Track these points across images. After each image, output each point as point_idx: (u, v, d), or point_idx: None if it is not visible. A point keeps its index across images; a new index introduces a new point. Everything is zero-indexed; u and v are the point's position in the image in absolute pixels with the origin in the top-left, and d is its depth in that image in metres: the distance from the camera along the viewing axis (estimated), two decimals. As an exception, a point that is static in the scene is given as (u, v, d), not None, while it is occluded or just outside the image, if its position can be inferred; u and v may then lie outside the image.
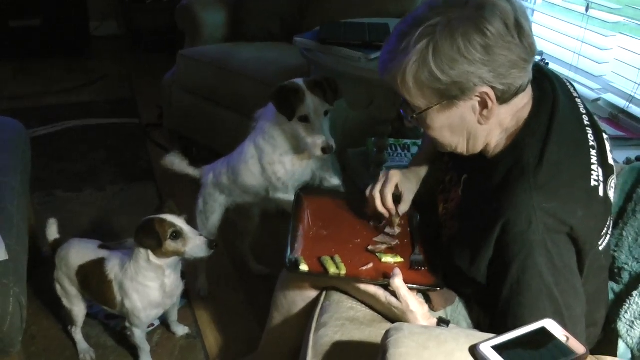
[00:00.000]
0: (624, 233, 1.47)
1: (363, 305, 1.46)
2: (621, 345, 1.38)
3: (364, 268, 1.41)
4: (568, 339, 1.12)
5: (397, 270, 1.32)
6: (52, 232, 2.08)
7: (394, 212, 1.51)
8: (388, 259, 1.43)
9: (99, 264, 1.95)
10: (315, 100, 1.86)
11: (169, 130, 3.61)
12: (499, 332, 1.05)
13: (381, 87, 2.12)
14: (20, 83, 4.48)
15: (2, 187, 1.90)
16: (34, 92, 4.31)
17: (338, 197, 1.71)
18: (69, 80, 4.55)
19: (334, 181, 2.06)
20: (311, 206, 1.61)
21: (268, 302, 1.93)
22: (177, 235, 1.78)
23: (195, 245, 1.79)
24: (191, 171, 2.27)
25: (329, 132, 1.87)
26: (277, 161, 1.97)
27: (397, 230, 1.53)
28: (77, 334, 2.14)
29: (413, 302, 1.29)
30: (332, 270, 1.36)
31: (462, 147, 1.30)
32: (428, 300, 1.40)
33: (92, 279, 1.96)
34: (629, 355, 1.39)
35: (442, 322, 1.31)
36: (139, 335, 2.00)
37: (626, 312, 1.38)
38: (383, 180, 1.51)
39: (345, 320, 1.40)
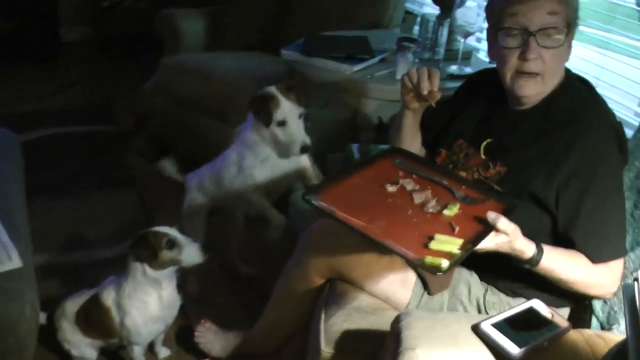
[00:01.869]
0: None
1: (366, 295, 1.64)
2: (594, 321, 1.57)
3: (457, 230, 1.36)
4: (553, 315, 1.31)
5: (493, 214, 1.35)
6: None
7: (437, 87, 1.62)
8: (453, 210, 1.42)
9: (94, 299, 1.97)
10: (290, 104, 1.99)
11: (148, 138, 3.69)
12: (583, 241, 1.48)
13: (365, 97, 2.29)
14: (-9, 89, 4.44)
15: (7, 196, 1.98)
16: (6, 98, 4.27)
17: (336, 181, 1.57)
18: (41, 86, 4.54)
19: None
20: (335, 204, 1.44)
21: (257, 300, 2.05)
22: (172, 244, 1.82)
23: (190, 251, 1.83)
24: (179, 177, 2.37)
25: (305, 132, 2.00)
26: (257, 166, 2.09)
27: (412, 181, 1.53)
28: None
29: (518, 229, 1.40)
30: (455, 249, 1.29)
31: (549, 80, 1.56)
32: (425, 285, 1.57)
33: (91, 316, 1.98)
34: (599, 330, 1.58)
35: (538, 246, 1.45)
36: (138, 352, 2.01)
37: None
38: (428, 68, 1.65)
39: (352, 309, 1.57)
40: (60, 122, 3.97)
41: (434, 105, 1.67)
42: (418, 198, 1.46)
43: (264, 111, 1.99)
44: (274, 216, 2.14)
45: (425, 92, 1.61)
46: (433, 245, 1.29)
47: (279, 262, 2.02)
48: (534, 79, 1.54)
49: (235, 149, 2.16)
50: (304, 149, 1.98)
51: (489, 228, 1.34)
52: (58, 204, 3.11)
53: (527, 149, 1.58)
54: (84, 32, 5.40)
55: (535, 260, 1.43)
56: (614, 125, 1.55)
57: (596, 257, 1.48)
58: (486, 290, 1.64)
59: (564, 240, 1.52)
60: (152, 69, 3.57)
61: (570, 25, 1.52)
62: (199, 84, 3.21)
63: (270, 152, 2.08)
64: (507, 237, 1.36)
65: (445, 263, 1.24)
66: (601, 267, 1.47)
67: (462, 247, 1.29)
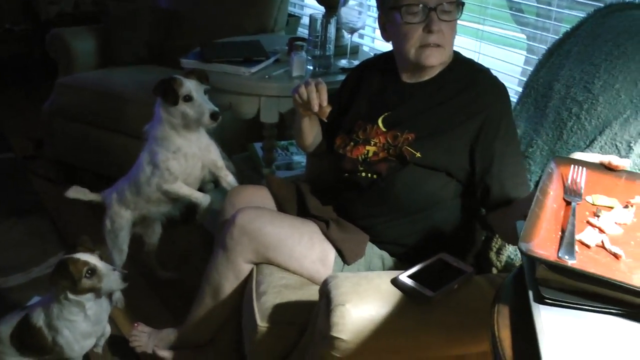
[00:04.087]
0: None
1: (292, 274, 1.78)
2: (493, 271, 1.79)
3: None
4: (458, 263, 1.51)
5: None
6: None
7: (325, 103, 1.78)
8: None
9: (25, 320, 2.00)
10: (192, 82, 2.17)
11: (50, 160, 3.68)
12: (498, 185, 1.66)
13: (265, 96, 2.43)
14: None
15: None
16: None
17: None
18: None
19: (230, 179, 2.33)
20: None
21: (182, 303, 2.13)
22: (92, 272, 1.86)
23: (110, 280, 1.89)
24: (94, 197, 2.44)
25: (212, 104, 2.16)
26: (170, 158, 2.22)
27: None
28: None
29: None
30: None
31: (448, 51, 1.76)
32: (342, 255, 1.74)
33: (25, 337, 2.01)
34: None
35: None
36: None
37: (495, 243, 1.79)
38: (315, 81, 1.80)
39: (280, 287, 1.70)
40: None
41: (325, 120, 1.85)
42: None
43: (169, 91, 2.14)
44: (200, 198, 2.29)
45: (316, 110, 1.79)
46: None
47: (195, 264, 2.11)
48: (437, 49, 1.73)
49: (147, 149, 2.28)
50: (213, 116, 2.13)
51: None
52: (-31, 236, 3.05)
53: (430, 115, 1.75)
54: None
55: None
56: (504, 86, 1.78)
57: (514, 194, 1.66)
58: (397, 262, 1.81)
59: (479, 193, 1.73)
60: (42, 91, 3.55)
61: (459, 3, 1.73)
62: (98, 101, 3.25)
63: (181, 142, 2.21)
64: None
65: None
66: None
67: None
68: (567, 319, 0.92)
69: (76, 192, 2.40)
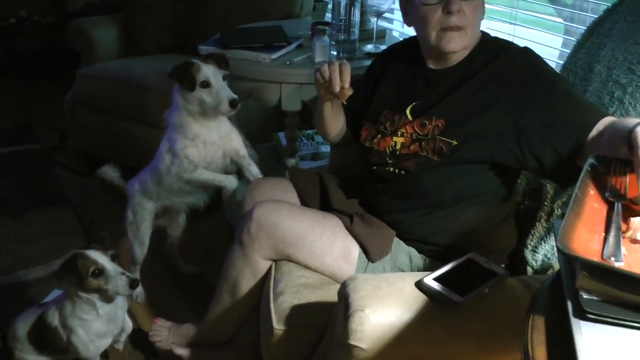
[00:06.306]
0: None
1: (312, 272, 1.67)
2: (529, 270, 1.66)
3: None
4: (490, 264, 1.38)
5: None
6: None
7: (348, 84, 1.66)
8: None
9: (41, 319, 1.96)
10: (210, 67, 2.07)
11: (74, 151, 3.65)
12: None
13: (287, 83, 2.33)
14: None
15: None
16: None
17: None
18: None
19: (253, 169, 2.23)
20: None
21: (203, 298, 2.07)
22: (99, 273, 1.79)
23: (116, 284, 1.81)
24: (120, 183, 2.39)
25: (230, 91, 2.06)
26: (189, 145, 2.13)
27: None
28: None
29: None
30: None
31: (472, 34, 1.62)
32: (366, 252, 1.62)
33: (42, 337, 1.97)
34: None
35: None
36: None
37: (531, 240, 1.66)
38: (339, 61, 1.69)
39: (299, 286, 1.60)
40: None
41: (344, 102, 1.74)
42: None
43: (186, 76, 2.05)
44: (224, 180, 2.19)
45: (337, 90, 1.66)
46: None
47: (219, 258, 2.05)
48: (459, 32, 1.58)
49: (166, 137, 2.20)
50: (231, 103, 2.03)
51: None
52: (-7, 227, 3.05)
53: (456, 98, 1.61)
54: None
55: None
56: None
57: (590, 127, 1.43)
58: (425, 260, 1.69)
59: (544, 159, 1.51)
60: (68, 82, 3.54)
61: None
62: (119, 91, 3.19)
63: (199, 129, 2.12)
64: None
65: None
66: None
67: None
68: (613, 338, 0.80)
69: (108, 172, 2.38)
